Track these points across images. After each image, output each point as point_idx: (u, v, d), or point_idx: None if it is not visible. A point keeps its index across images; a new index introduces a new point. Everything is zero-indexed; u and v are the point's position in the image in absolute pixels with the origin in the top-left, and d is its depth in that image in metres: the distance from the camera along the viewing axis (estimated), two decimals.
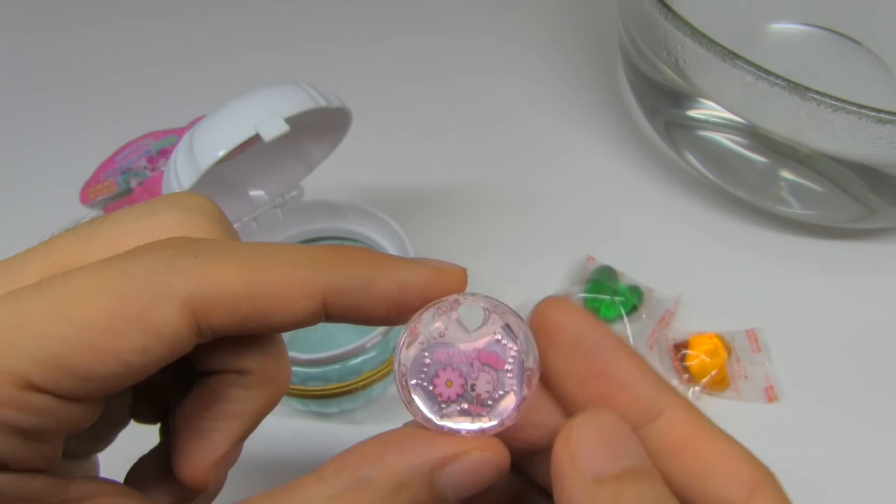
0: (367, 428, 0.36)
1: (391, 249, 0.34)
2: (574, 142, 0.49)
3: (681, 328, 0.39)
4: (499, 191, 0.46)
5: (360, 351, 0.30)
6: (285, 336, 0.34)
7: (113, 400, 0.19)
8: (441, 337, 0.18)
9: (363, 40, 0.54)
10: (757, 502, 0.17)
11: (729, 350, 0.38)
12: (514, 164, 0.47)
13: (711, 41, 0.36)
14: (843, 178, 0.39)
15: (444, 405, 0.18)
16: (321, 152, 0.34)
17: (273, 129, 0.27)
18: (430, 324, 0.18)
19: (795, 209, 0.42)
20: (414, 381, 0.18)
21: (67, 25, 0.55)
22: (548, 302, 0.19)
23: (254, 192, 0.34)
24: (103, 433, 0.21)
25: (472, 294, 0.19)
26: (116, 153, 0.46)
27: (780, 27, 0.51)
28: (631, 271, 0.41)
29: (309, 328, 0.39)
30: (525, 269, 0.42)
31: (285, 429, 0.36)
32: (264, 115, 0.27)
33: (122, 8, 0.57)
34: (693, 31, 0.36)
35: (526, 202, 0.45)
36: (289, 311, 0.17)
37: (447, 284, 0.18)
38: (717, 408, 0.36)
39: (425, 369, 0.18)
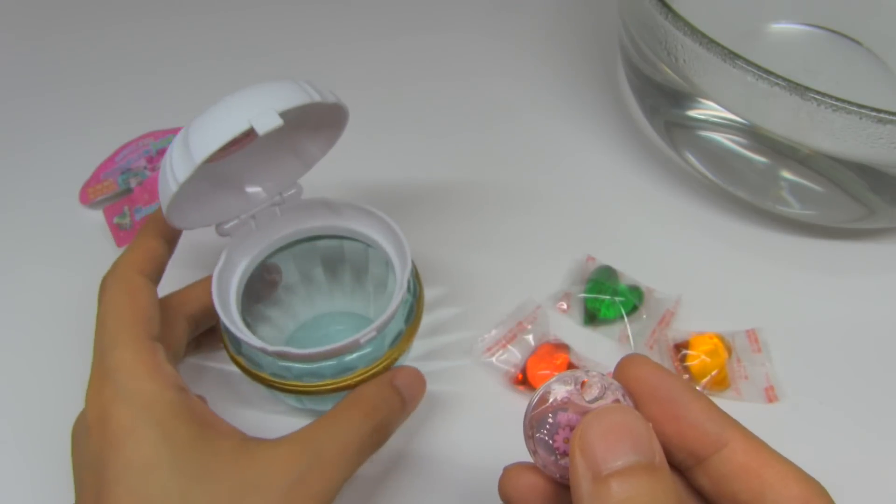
0: None
1: (388, 248, 0.34)
2: (574, 142, 0.48)
3: (681, 328, 0.39)
4: (498, 191, 0.46)
5: (355, 347, 0.30)
6: (285, 337, 0.35)
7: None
8: (564, 404, 0.22)
9: (363, 40, 0.54)
10: None
11: (729, 350, 0.38)
12: (514, 164, 0.47)
13: (711, 41, 0.36)
14: (844, 178, 0.39)
15: (559, 457, 0.22)
16: (318, 150, 0.34)
17: (267, 122, 0.27)
18: (557, 392, 0.22)
19: (795, 209, 0.42)
20: (538, 436, 0.22)
21: (67, 26, 0.55)
22: (628, 359, 0.23)
23: (251, 189, 0.34)
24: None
25: (592, 373, 0.23)
26: (116, 153, 0.46)
27: (780, 27, 0.51)
28: (631, 271, 0.41)
29: (309, 327, 0.39)
30: (525, 268, 0.42)
31: (283, 426, 0.36)
32: (258, 109, 0.27)
33: (121, 8, 0.57)
34: (693, 31, 0.36)
35: (526, 202, 0.45)
36: None
37: None
38: None
39: (548, 426, 0.22)
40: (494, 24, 0.56)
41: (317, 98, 0.28)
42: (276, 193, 0.34)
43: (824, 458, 0.35)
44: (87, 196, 0.44)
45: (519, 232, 0.44)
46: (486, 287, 0.41)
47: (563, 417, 0.22)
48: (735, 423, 0.22)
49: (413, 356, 0.38)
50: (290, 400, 0.34)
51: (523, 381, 0.37)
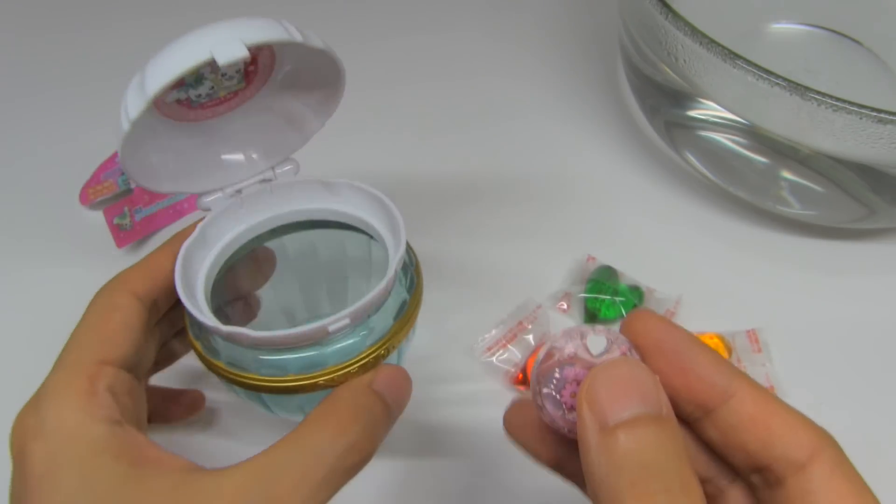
0: None
1: (385, 233, 0.30)
2: (574, 142, 0.48)
3: None
4: (498, 190, 0.46)
5: (321, 336, 0.26)
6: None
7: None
8: (571, 359, 0.22)
9: (363, 40, 0.54)
10: (818, 460, 0.20)
11: (730, 350, 0.38)
12: (514, 165, 0.47)
13: (712, 41, 0.36)
14: (844, 178, 0.39)
15: (567, 411, 0.22)
16: (315, 119, 0.31)
17: (230, 52, 0.24)
18: (564, 347, 0.22)
19: (796, 209, 0.42)
20: (546, 391, 0.22)
21: (68, 26, 0.55)
22: (634, 314, 0.23)
23: (238, 159, 0.31)
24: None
25: (599, 328, 0.22)
26: (116, 153, 0.46)
27: (780, 27, 0.51)
28: (631, 271, 0.41)
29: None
30: (525, 268, 0.42)
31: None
32: (224, 38, 0.24)
33: (121, 8, 0.57)
34: (693, 31, 0.36)
35: (526, 202, 0.45)
36: None
37: None
38: None
39: (555, 382, 0.22)
40: (494, 24, 0.56)
41: (297, 38, 0.25)
42: (268, 168, 0.31)
43: None
44: (88, 196, 0.44)
45: (519, 232, 0.44)
46: (486, 287, 0.41)
47: (569, 372, 0.22)
48: (742, 375, 0.22)
49: (412, 357, 0.38)
50: (257, 404, 0.30)
51: (523, 380, 0.37)
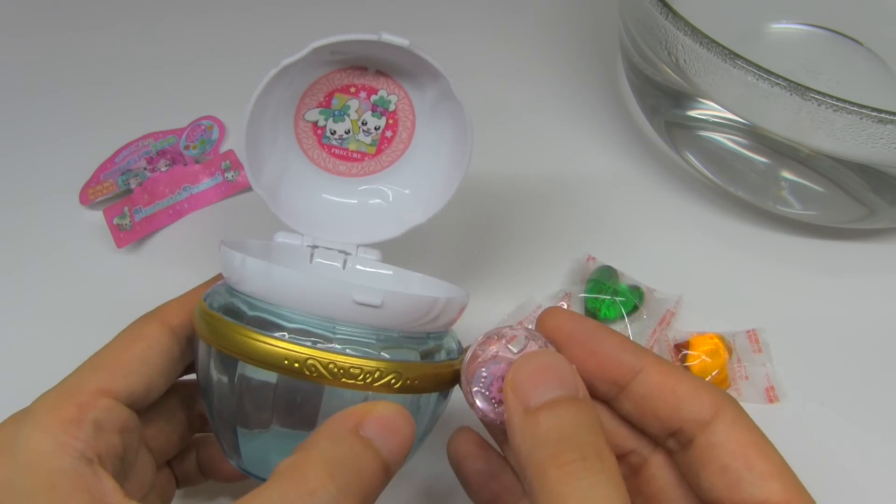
0: None
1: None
2: (574, 142, 0.48)
3: (682, 328, 0.39)
4: (498, 191, 0.46)
5: (342, 305, 0.23)
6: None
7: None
8: (494, 358, 0.24)
9: None
10: (720, 417, 0.23)
11: (730, 350, 0.38)
12: (514, 165, 0.47)
13: (712, 41, 0.36)
14: (844, 178, 0.39)
15: (496, 405, 0.24)
16: (421, 213, 0.31)
17: (395, 37, 0.27)
18: (487, 348, 0.25)
19: (796, 209, 0.42)
20: (475, 389, 0.25)
21: (68, 26, 0.55)
22: (546, 312, 0.26)
23: (329, 214, 0.31)
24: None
25: (516, 327, 0.25)
26: (116, 153, 0.46)
27: (780, 27, 0.51)
28: (631, 271, 0.41)
29: None
30: (525, 269, 0.42)
31: None
32: (393, 35, 0.27)
33: (121, 9, 0.57)
34: (693, 31, 0.36)
35: (526, 202, 0.45)
36: None
37: None
38: None
39: (483, 380, 0.24)
40: (494, 24, 0.56)
41: (450, 78, 0.28)
42: (353, 244, 0.30)
43: (825, 458, 0.35)
44: (87, 197, 0.44)
45: (519, 232, 0.44)
46: (486, 287, 0.41)
47: (495, 369, 0.24)
48: (647, 351, 0.24)
49: None
50: (229, 435, 0.26)
51: None
